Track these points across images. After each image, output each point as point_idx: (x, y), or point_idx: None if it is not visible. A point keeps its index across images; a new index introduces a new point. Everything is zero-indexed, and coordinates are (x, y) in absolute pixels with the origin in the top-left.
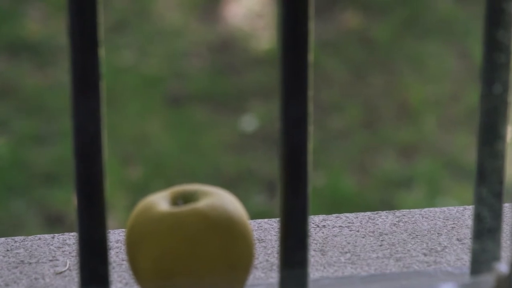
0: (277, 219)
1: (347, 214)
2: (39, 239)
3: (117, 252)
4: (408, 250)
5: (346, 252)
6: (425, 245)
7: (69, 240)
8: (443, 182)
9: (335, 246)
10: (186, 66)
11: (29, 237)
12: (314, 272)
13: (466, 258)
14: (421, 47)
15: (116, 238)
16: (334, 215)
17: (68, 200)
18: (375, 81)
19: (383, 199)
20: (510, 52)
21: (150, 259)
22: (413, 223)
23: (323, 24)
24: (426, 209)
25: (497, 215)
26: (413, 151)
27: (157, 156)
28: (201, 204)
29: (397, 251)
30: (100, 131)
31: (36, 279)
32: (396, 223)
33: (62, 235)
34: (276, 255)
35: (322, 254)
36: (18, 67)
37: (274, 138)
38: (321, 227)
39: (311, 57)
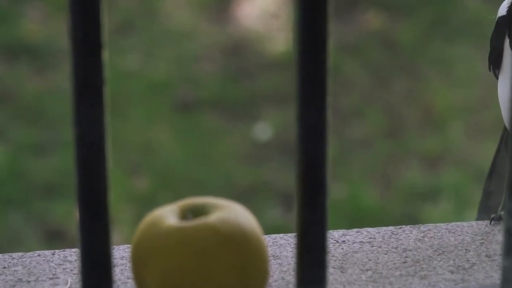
0: (294, 234)
1: (369, 229)
2: (39, 255)
3: (122, 270)
4: (434, 268)
5: (367, 270)
6: (452, 262)
7: (71, 257)
8: (472, 195)
9: (355, 263)
10: (196, 70)
11: (28, 253)
12: None
13: (496, 276)
14: (448, 50)
15: (121, 254)
16: (355, 230)
17: (69, 214)
18: (399, 87)
19: (407, 212)
20: None
21: (158, 276)
22: (439, 239)
23: (343, 25)
24: (453, 224)
25: None
26: (440, 161)
27: (165, 167)
28: (212, 218)
29: (422, 268)
30: (103, 140)
31: None
32: (421, 238)
33: (63, 251)
34: (292, 273)
35: (342, 272)
36: (16, 71)
37: (290, 147)
38: (340, 242)
39: (330, 60)
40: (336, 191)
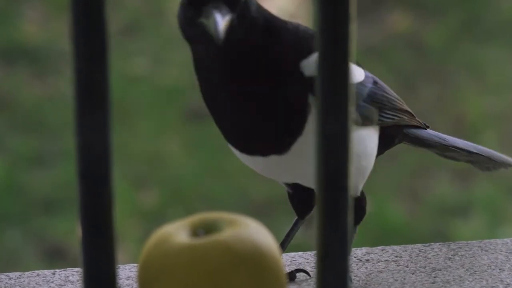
0: (313, 252)
1: (394, 247)
2: (38, 275)
3: None
4: None
5: None
6: (485, 282)
7: (73, 277)
8: (506, 210)
9: (380, 284)
10: None
11: (26, 273)
12: None
13: None
14: (480, 53)
15: (127, 274)
16: (380, 247)
17: (71, 231)
18: (427, 93)
19: (436, 229)
20: None
21: None
22: (471, 257)
23: (367, 27)
24: (486, 241)
25: None
26: (471, 174)
27: (175, 180)
28: (225, 235)
29: None
30: (108, 150)
31: None
32: (451, 257)
33: (64, 270)
34: None
35: None
36: (14, 76)
37: None
38: (364, 261)
39: (352, 66)
40: None
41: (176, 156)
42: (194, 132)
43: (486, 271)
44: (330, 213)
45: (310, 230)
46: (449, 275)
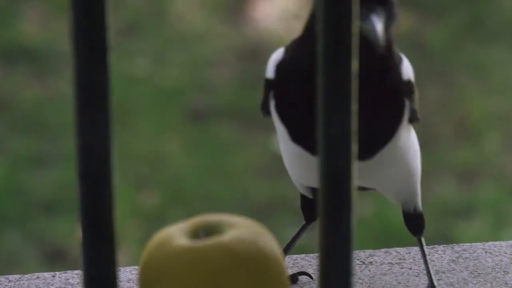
0: (316, 254)
1: (398, 249)
2: (38, 278)
3: None
4: None
5: None
6: (489, 285)
7: (73, 279)
8: (510, 211)
9: (384, 286)
10: (210, 76)
11: (26, 275)
12: None
13: None
14: (484, 54)
15: (128, 276)
16: (383, 249)
17: (71, 232)
18: (430, 94)
19: (440, 231)
20: None
21: None
22: (475, 259)
23: None
24: (490, 243)
25: None
26: (475, 175)
27: (176, 181)
28: (227, 237)
29: None
30: (108, 152)
31: None
32: (455, 259)
33: (64, 273)
34: None
35: None
36: (13, 77)
37: None
38: (367, 264)
39: (355, 65)
40: (362, 207)
41: (176, 157)
42: (195, 132)
43: (490, 273)
44: (333, 215)
45: (312, 232)
46: (453, 277)
